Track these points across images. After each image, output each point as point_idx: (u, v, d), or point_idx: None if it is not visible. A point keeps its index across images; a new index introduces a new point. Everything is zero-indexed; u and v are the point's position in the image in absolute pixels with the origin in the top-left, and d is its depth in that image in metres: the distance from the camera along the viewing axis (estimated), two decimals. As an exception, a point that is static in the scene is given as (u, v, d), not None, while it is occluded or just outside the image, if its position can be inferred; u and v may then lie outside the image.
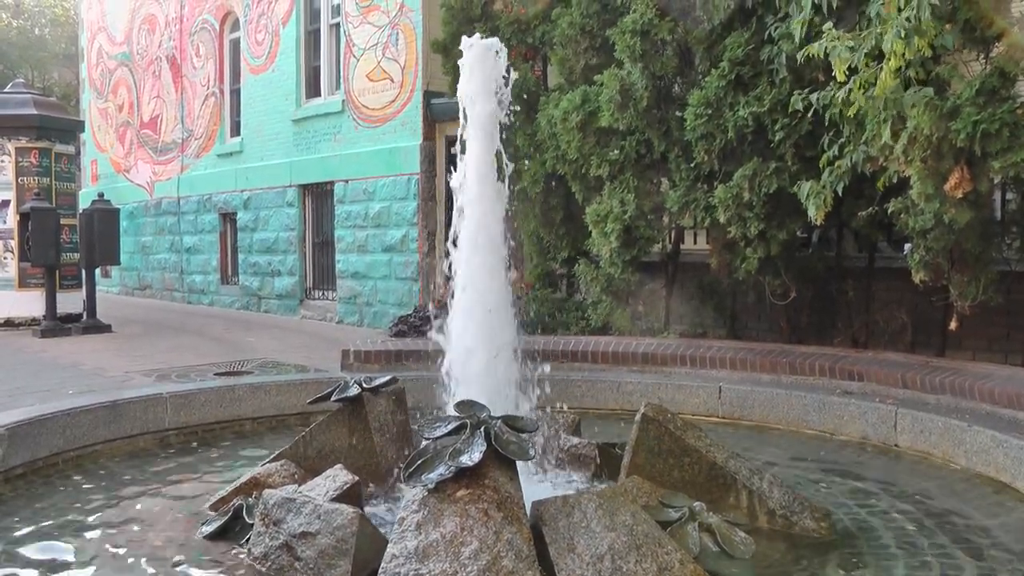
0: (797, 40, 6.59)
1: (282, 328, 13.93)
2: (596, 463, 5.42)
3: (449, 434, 4.00)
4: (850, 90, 6.36)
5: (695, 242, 10.65)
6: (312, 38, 16.11)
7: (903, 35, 5.68)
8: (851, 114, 6.53)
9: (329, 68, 15.71)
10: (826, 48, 6.15)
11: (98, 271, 16.16)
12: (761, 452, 6.26)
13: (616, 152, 9.21)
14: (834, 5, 6.38)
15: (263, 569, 3.96)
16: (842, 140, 7.02)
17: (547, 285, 11.28)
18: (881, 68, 5.99)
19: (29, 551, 4.47)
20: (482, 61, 5.33)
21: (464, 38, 5.40)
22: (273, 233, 16.51)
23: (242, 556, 4.23)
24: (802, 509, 4.66)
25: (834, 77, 6.28)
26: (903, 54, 5.76)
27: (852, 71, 6.26)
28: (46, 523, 4.90)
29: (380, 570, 3.65)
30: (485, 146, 5.30)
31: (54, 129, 14.46)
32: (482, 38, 5.38)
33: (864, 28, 6.17)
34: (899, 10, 5.69)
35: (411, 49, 13.53)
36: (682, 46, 9.01)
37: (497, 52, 5.33)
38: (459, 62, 5.43)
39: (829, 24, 6.18)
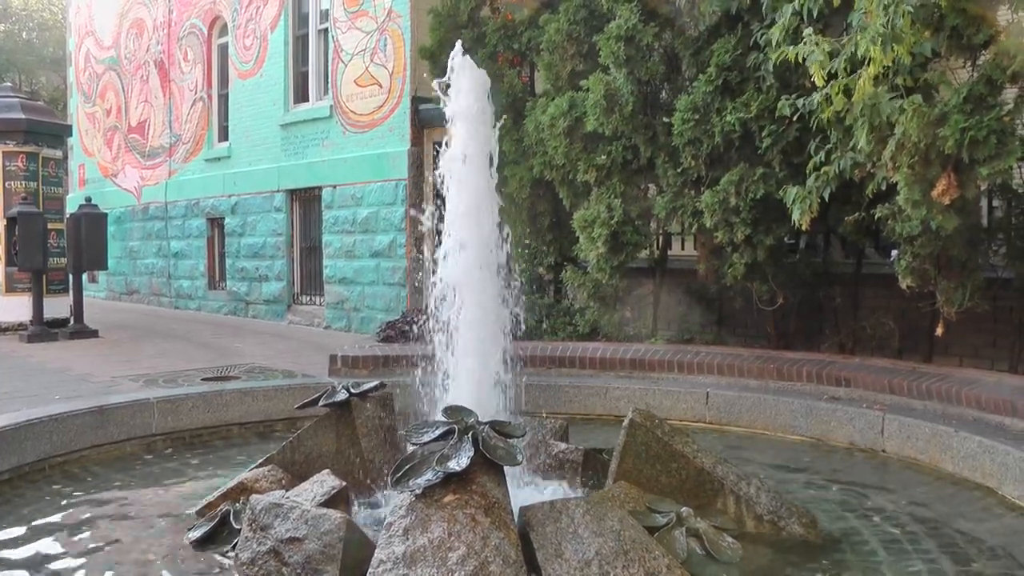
0: (774, 44, 6.61)
1: (270, 333, 13.89)
2: (583, 469, 5.42)
3: (437, 439, 4.00)
4: (828, 95, 6.39)
5: (683, 248, 10.68)
6: (300, 43, 16.08)
7: (880, 42, 5.70)
8: (826, 116, 6.56)
9: (317, 73, 15.68)
10: (801, 53, 6.17)
11: (85, 276, 16.12)
12: (748, 457, 6.27)
13: (603, 157, 9.22)
14: (814, 12, 6.40)
15: (250, 574, 3.95)
16: (829, 146, 7.05)
17: (535, 291, 11.28)
18: (860, 75, 6.02)
19: (15, 557, 4.46)
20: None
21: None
22: (261, 238, 16.48)
23: (229, 562, 4.22)
24: (789, 514, 4.67)
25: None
26: (881, 61, 5.80)
27: (832, 76, 6.29)
28: (32, 529, 4.88)
29: (367, 575, 3.65)
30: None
31: (42, 133, 14.37)
32: (467, 48, 5.43)
33: (848, 35, 6.20)
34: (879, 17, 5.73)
35: (399, 55, 13.52)
36: (669, 52, 9.05)
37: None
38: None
39: (809, 30, 6.20)
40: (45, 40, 36.72)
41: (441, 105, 5.40)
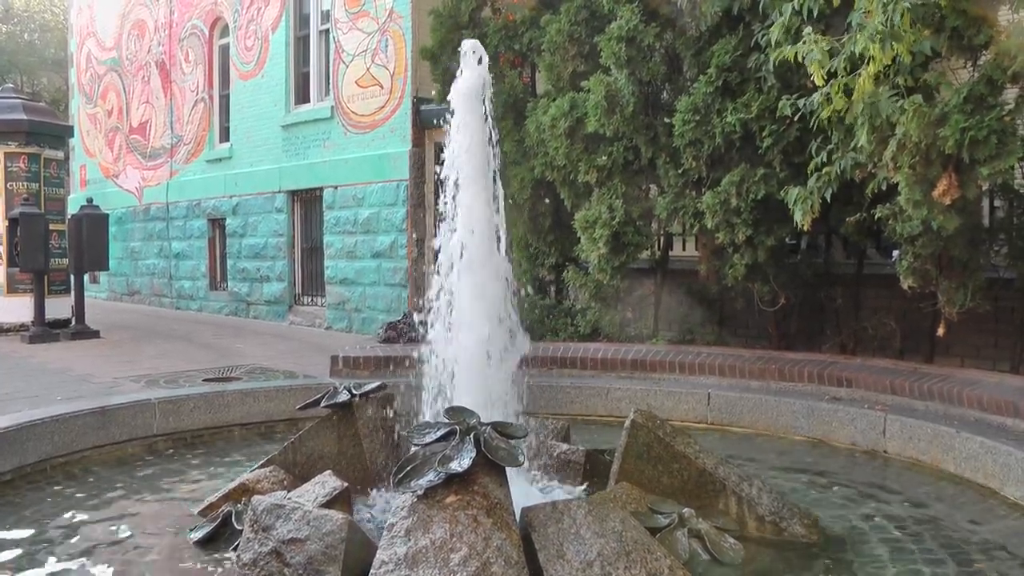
0: (773, 43, 6.60)
1: (271, 334, 13.89)
2: (585, 469, 5.43)
3: (438, 440, 4.00)
4: (827, 94, 6.39)
5: (684, 248, 10.68)
6: (301, 44, 16.08)
7: (879, 40, 5.70)
8: (826, 115, 6.56)
9: (318, 74, 15.69)
10: (800, 52, 6.17)
11: (87, 277, 16.13)
12: (750, 458, 6.27)
13: (604, 158, 9.21)
14: (814, 12, 6.40)
15: (252, 575, 3.95)
16: (830, 146, 7.04)
17: (536, 291, 11.28)
18: (860, 74, 6.02)
19: (17, 558, 4.46)
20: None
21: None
22: (262, 239, 16.48)
23: (231, 562, 4.23)
24: (791, 515, 4.67)
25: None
26: (881, 59, 5.80)
27: (832, 75, 6.29)
28: (34, 530, 4.88)
29: (369, 576, 3.65)
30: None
31: (43, 134, 14.39)
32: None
33: (848, 35, 6.20)
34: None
35: (400, 56, 13.53)
36: (670, 52, 9.04)
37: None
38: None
39: (808, 29, 6.20)
40: (47, 41, 36.74)
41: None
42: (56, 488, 5.74)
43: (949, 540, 4.68)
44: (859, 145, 6.49)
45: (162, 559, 4.44)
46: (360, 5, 14.29)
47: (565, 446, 5.60)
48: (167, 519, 5.06)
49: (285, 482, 5.00)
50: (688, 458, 4.84)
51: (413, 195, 13.30)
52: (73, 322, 13.74)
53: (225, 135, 18.07)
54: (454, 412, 4.23)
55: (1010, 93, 6.58)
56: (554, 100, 9.79)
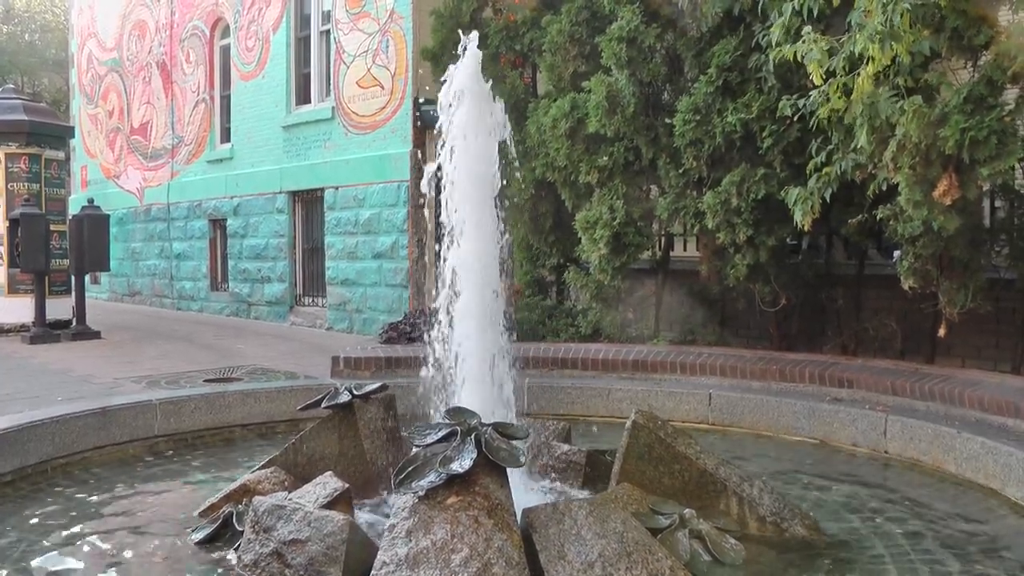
0: (774, 43, 6.61)
1: (272, 335, 13.90)
2: (586, 470, 5.42)
3: (439, 441, 4.00)
4: (827, 94, 6.39)
5: (685, 249, 10.68)
6: (302, 45, 16.09)
7: (878, 40, 5.70)
8: (823, 115, 6.56)
9: (319, 75, 15.70)
10: (799, 52, 6.17)
11: (88, 277, 16.13)
12: (751, 459, 6.27)
13: (605, 159, 9.22)
14: (814, 12, 6.40)
15: (253, 576, 3.95)
16: (830, 147, 7.04)
17: (537, 292, 11.28)
18: (859, 73, 6.02)
19: (18, 560, 4.46)
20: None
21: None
22: (263, 240, 16.49)
23: (232, 563, 4.23)
24: (792, 516, 4.67)
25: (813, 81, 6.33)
26: (880, 59, 5.80)
27: (831, 75, 6.29)
28: (35, 531, 4.88)
29: (370, 577, 3.65)
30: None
31: (44, 135, 14.40)
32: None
33: (848, 35, 6.20)
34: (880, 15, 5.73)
35: (401, 56, 13.53)
36: (671, 53, 9.04)
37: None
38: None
39: (808, 29, 6.20)
40: (47, 42, 36.74)
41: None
42: (57, 489, 5.74)
43: (949, 540, 4.68)
44: (859, 146, 6.50)
45: (163, 560, 4.44)
46: (361, 6, 14.30)
47: (566, 447, 5.60)
48: (168, 520, 5.06)
49: (286, 483, 5.00)
50: (689, 459, 4.83)
51: (414, 196, 13.29)
52: (74, 323, 13.75)
53: (226, 136, 18.08)
54: (455, 413, 4.24)
55: (1010, 93, 6.58)
56: (555, 101, 9.80)
